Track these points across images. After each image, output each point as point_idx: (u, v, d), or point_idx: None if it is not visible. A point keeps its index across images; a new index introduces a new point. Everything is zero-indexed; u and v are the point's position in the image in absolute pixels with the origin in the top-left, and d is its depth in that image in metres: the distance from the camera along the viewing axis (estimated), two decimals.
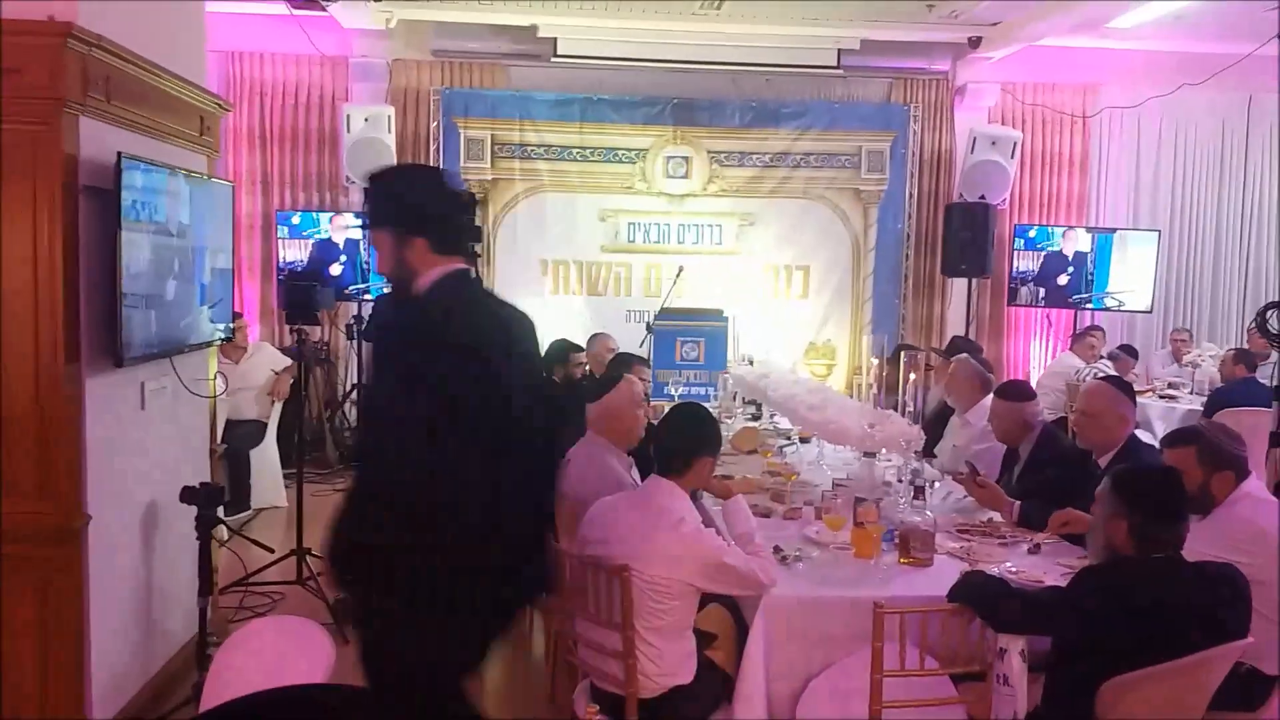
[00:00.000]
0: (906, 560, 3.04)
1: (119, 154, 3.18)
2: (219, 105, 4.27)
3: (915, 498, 3.15)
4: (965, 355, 5.04)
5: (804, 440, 4.73)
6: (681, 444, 2.83)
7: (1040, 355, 8.96)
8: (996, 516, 3.56)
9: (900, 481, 3.56)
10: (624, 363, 4.76)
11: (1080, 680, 2.40)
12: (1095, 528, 2.55)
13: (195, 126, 4.02)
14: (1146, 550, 2.44)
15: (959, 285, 8.61)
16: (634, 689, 2.67)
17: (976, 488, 3.62)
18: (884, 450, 3.68)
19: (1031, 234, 8.48)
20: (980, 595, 2.55)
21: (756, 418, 5.62)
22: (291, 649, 2.11)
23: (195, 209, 3.81)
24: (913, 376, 3.52)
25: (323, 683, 1.92)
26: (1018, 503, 3.53)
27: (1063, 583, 2.67)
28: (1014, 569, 2.96)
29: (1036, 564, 3.07)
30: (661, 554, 2.64)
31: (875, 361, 3.74)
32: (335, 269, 7.89)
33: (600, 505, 2.87)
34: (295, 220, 7.90)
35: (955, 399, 4.92)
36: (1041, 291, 8.47)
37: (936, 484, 3.76)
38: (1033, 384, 8.05)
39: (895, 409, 3.86)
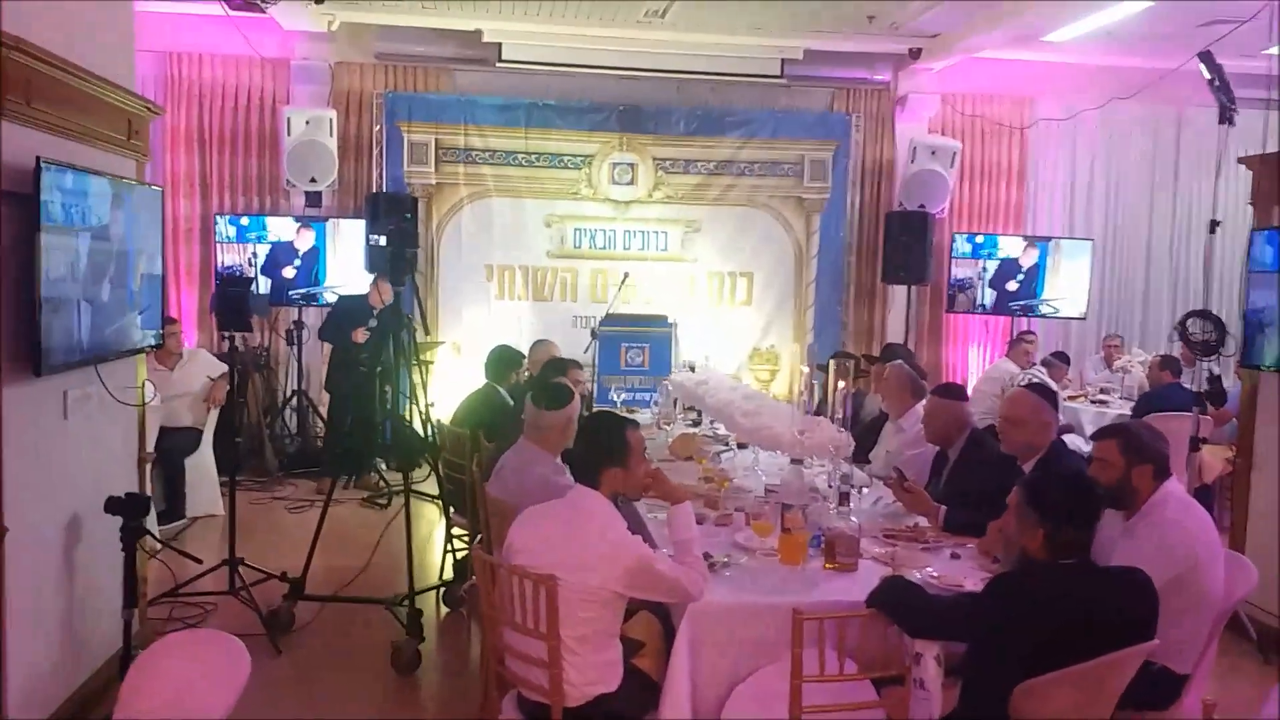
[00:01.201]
0: (832, 565, 3.08)
1: (38, 158, 3.12)
2: (148, 108, 4.19)
3: (840, 504, 3.20)
4: (899, 362, 5.12)
5: (741, 446, 4.77)
6: (585, 457, 2.85)
7: (979, 361, 9.13)
8: (923, 521, 3.62)
9: (831, 487, 3.61)
10: (558, 367, 4.76)
11: (995, 684, 2.45)
12: (1010, 539, 2.61)
13: (122, 130, 3.94)
14: (1058, 555, 2.50)
15: (899, 292, 8.75)
16: (559, 698, 2.67)
17: (904, 493, 3.68)
18: (816, 456, 3.73)
19: (979, 240, 8.65)
20: (895, 602, 2.60)
21: (697, 424, 5.66)
22: (203, 664, 2.08)
23: (122, 214, 3.74)
24: (841, 384, 3.57)
25: None
26: (943, 508, 3.59)
27: (980, 589, 2.73)
28: (935, 574, 3.02)
29: (957, 569, 3.13)
30: (586, 561, 2.65)
31: (805, 370, 3.79)
32: (289, 272, 7.83)
33: (526, 514, 2.87)
34: (245, 222, 7.82)
35: (888, 405, 4.99)
36: (993, 296, 8.63)
37: (865, 489, 3.82)
38: (969, 390, 8.26)
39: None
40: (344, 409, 7.24)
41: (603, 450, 2.83)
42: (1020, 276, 8.60)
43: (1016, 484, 2.72)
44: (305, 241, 7.86)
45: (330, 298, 7.76)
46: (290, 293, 7.82)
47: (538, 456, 3.58)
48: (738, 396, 4.52)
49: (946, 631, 2.54)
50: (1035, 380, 6.80)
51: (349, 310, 7.31)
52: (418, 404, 4.66)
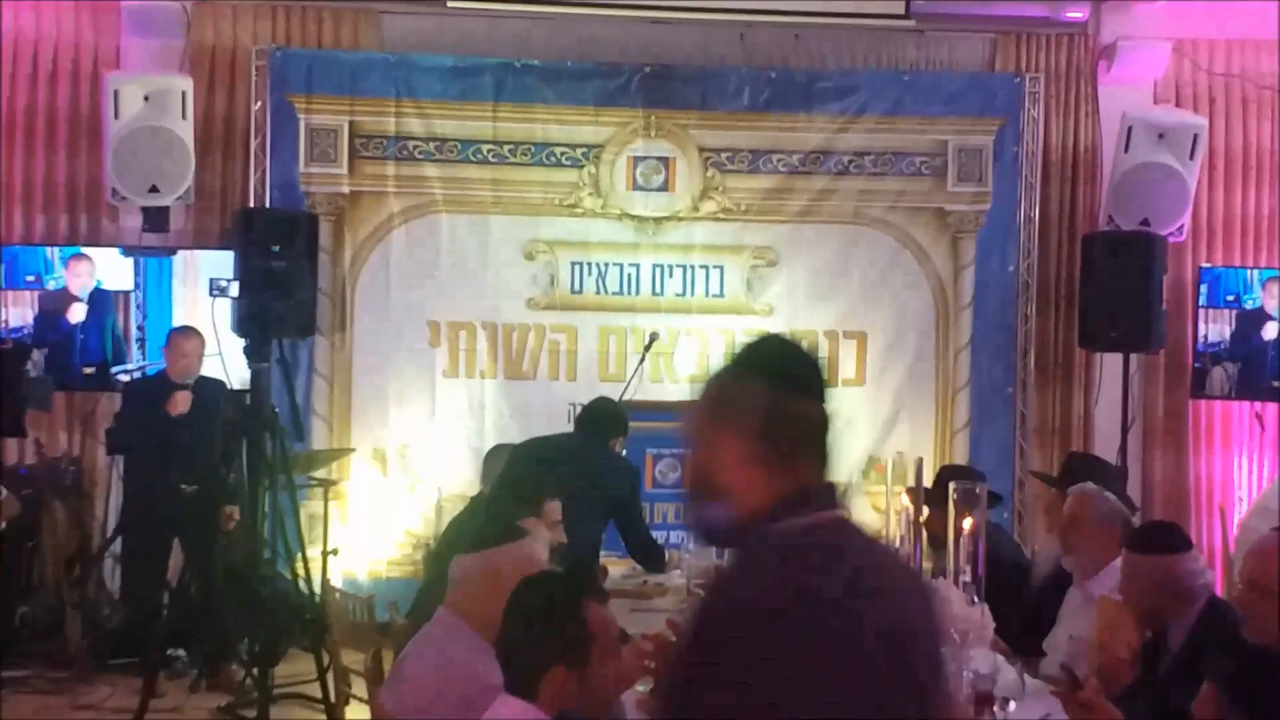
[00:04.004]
0: None
1: None
2: None
3: None
4: (1089, 486, 5.04)
5: None
6: (515, 650, 2.85)
7: (1252, 479, 8.97)
8: None
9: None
10: (522, 497, 4.75)
11: None
12: None
13: None
14: None
15: (1111, 364, 8.65)
16: None
17: (1077, 706, 3.60)
18: None
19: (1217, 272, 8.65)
20: None
21: None
22: None
23: None
24: (968, 523, 3.51)
25: None
26: None
27: None
28: None
29: None
30: None
31: (907, 501, 3.74)
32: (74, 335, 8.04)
33: None
34: (22, 257, 8.04)
35: (1074, 557, 4.92)
36: (1233, 372, 8.56)
37: (1013, 702, 3.75)
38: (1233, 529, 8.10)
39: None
40: (149, 558, 7.49)
41: (534, 642, 2.82)
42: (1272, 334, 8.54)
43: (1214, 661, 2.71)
44: (80, 282, 8.03)
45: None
46: (84, 369, 7.98)
47: (457, 637, 3.55)
48: None
49: None
50: None
51: (141, 396, 7.49)
52: (289, 549, 4.71)
